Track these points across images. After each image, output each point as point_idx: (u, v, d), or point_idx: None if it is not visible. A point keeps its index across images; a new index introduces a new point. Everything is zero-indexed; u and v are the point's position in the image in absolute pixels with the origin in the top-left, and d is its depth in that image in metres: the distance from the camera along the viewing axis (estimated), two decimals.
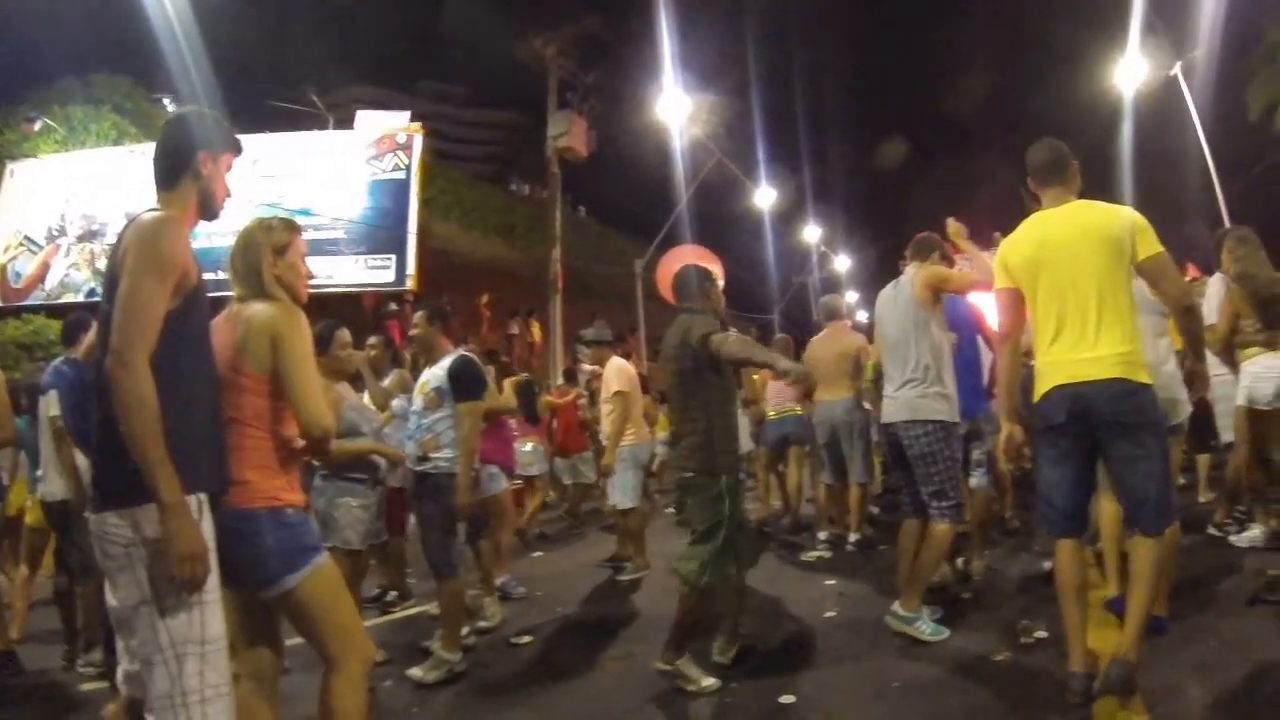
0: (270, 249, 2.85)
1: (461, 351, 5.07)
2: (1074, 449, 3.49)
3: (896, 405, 4.80)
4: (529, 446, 10.08)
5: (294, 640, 2.95)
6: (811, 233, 36.76)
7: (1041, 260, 3.54)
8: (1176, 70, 18.87)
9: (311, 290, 3.11)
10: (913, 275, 4.88)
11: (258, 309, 2.75)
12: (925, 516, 4.76)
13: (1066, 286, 3.47)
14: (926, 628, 4.46)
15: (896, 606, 4.53)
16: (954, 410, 4.76)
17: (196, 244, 2.61)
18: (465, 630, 5.31)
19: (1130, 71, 18.98)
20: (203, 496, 2.45)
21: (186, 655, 2.36)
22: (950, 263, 5.12)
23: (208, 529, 2.43)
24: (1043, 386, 3.53)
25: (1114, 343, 3.40)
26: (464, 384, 4.84)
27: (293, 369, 2.70)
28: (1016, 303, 3.72)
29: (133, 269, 2.37)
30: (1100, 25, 21.06)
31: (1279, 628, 3.96)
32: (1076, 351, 3.43)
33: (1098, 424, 3.40)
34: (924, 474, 4.67)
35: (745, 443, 8.38)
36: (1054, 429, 3.50)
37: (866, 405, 7.48)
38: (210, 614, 2.41)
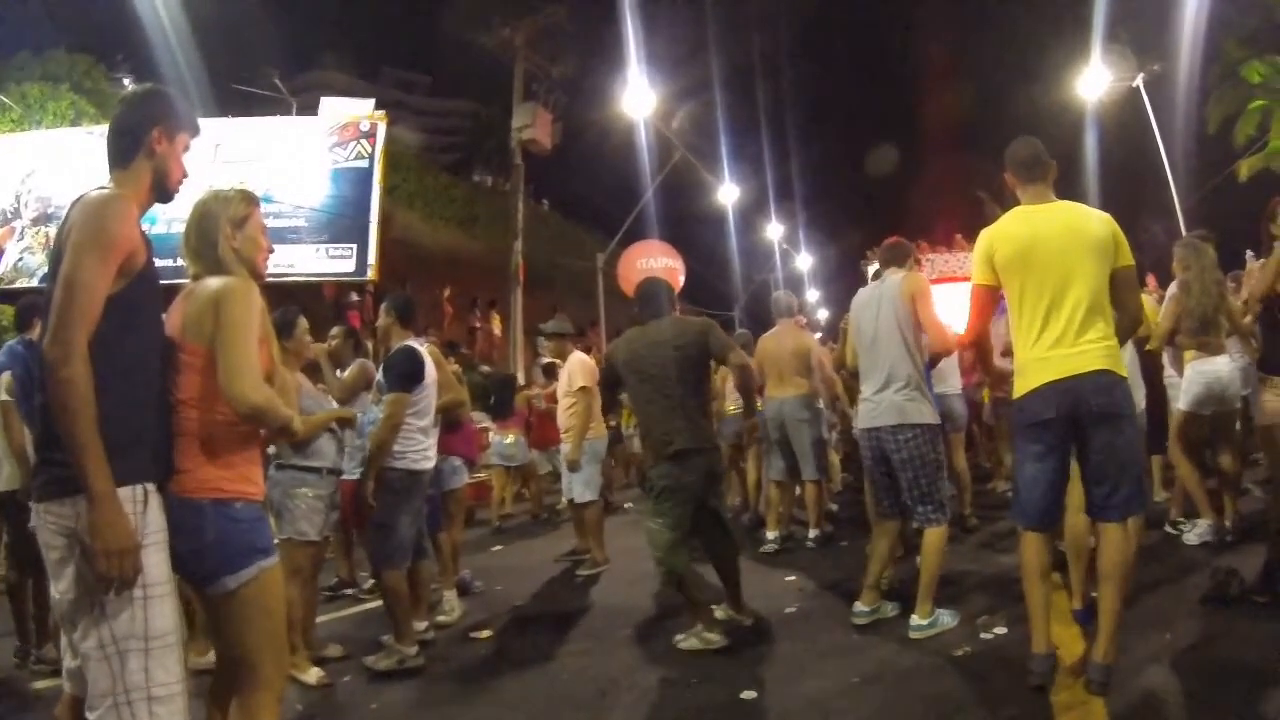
0: (228, 221, 2.69)
1: (405, 343, 5.02)
2: (1058, 444, 3.51)
3: (881, 409, 4.73)
4: (510, 439, 10.57)
5: None
6: (774, 230, 36.88)
7: (1031, 256, 3.56)
8: (1139, 81, 19.16)
9: (272, 278, 2.99)
10: (899, 280, 4.84)
11: (210, 282, 2.58)
12: (903, 518, 4.81)
13: (1055, 284, 3.49)
14: (947, 618, 4.51)
15: (915, 619, 4.49)
16: (936, 413, 4.78)
17: (157, 230, 2.51)
18: (424, 625, 5.27)
19: (1094, 81, 19.31)
20: (149, 486, 2.34)
21: (129, 651, 2.23)
22: (919, 267, 5.18)
23: (155, 520, 2.33)
24: (1030, 383, 3.53)
25: (1098, 336, 3.46)
26: (391, 375, 4.86)
27: (226, 336, 2.47)
28: (990, 303, 3.78)
29: (76, 247, 2.26)
30: (1066, 35, 21.37)
31: (1229, 622, 4.06)
32: (1063, 347, 3.46)
33: (1085, 416, 3.42)
34: (910, 478, 4.64)
35: None
36: (1039, 425, 3.51)
37: (819, 404, 7.52)
38: (156, 609, 2.29)
